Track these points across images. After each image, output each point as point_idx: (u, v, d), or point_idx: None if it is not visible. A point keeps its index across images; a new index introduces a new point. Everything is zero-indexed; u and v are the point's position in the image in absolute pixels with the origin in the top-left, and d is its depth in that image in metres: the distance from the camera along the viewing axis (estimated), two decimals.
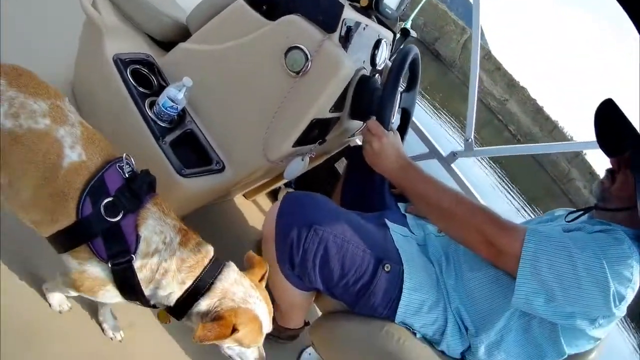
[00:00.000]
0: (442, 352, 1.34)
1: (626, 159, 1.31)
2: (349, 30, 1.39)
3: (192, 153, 1.47)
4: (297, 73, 1.33)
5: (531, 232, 1.20)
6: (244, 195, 2.24)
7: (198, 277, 1.06)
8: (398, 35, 1.82)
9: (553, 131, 45.88)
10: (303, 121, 1.37)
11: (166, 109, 1.39)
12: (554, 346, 1.28)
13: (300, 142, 1.44)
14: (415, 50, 1.47)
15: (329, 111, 1.43)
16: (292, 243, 1.22)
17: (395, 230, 1.42)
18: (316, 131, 1.46)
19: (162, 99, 1.39)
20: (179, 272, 1.05)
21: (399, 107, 1.62)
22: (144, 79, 1.52)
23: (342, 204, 1.59)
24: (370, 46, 1.59)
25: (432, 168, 2.00)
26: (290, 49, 1.33)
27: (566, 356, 1.31)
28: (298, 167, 1.50)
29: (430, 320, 1.31)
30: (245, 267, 1.19)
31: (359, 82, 1.48)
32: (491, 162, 15.59)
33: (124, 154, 1.07)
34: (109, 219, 0.99)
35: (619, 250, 1.18)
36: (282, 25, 1.36)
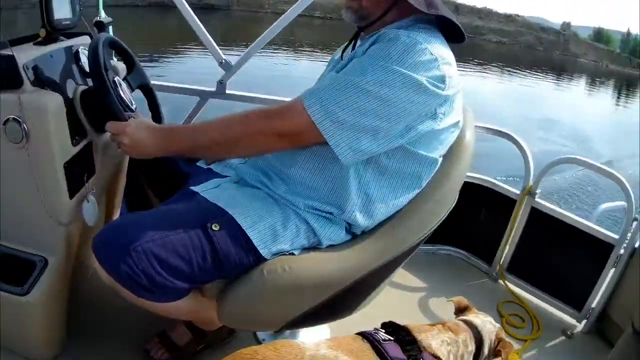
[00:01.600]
0: (332, 245, 1.34)
1: None
2: (37, 69, 1.34)
3: (14, 269, 1.43)
4: (21, 140, 1.29)
5: (307, 97, 1.17)
6: None
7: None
8: (96, 31, 1.78)
9: None
10: (57, 174, 1.34)
11: None
12: (419, 162, 1.29)
13: (73, 190, 1.41)
14: (101, 37, 1.44)
15: (74, 145, 1.40)
16: (130, 275, 1.16)
17: (204, 189, 1.38)
18: (77, 170, 1.43)
19: None
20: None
21: (133, 89, 1.61)
22: None
23: (162, 201, 1.56)
24: (71, 64, 1.56)
25: None
26: (4, 125, 1.29)
27: (440, 159, 1.34)
28: (89, 209, 1.46)
29: (293, 233, 1.28)
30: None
31: (82, 99, 1.46)
32: None
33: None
34: None
35: (399, 45, 1.16)
36: None
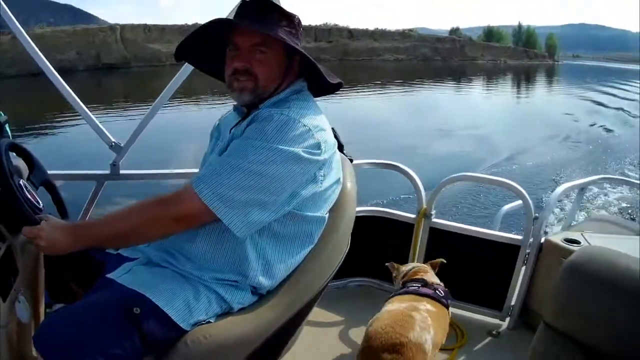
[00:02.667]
0: (243, 308, 1.43)
1: (256, 41, 1.39)
2: None
3: None
4: None
5: (195, 182, 1.28)
6: None
7: None
8: None
9: None
10: None
11: None
12: (308, 222, 1.43)
13: (4, 293, 1.46)
14: (2, 145, 1.49)
15: None
16: None
17: (116, 275, 1.43)
18: (3, 274, 1.48)
19: None
20: None
21: (37, 188, 1.67)
22: None
23: (81, 287, 1.64)
24: None
25: None
26: None
27: (327, 217, 1.48)
28: (22, 309, 1.51)
29: (205, 304, 1.36)
30: None
31: None
32: None
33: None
34: None
35: (273, 124, 1.29)
36: None
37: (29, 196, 1.50)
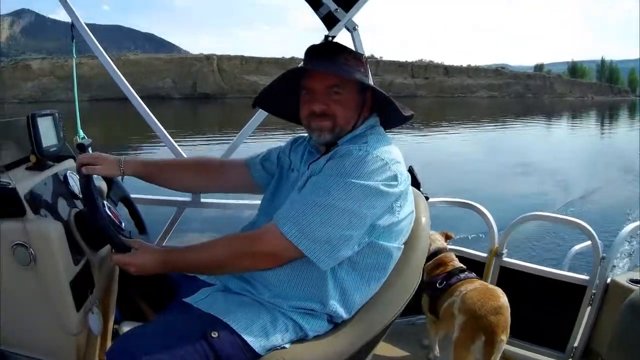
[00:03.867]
0: (317, 335, 1.42)
1: (331, 83, 1.41)
2: (35, 198, 1.51)
3: None
4: (29, 263, 1.45)
5: (281, 221, 1.29)
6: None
7: None
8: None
9: None
10: (64, 292, 1.48)
11: None
12: (384, 252, 1.41)
13: (79, 304, 1.53)
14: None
15: (75, 265, 1.53)
16: None
17: (194, 301, 1.45)
18: (81, 286, 1.56)
19: None
20: None
21: (117, 204, 1.75)
22: None
23: (152, 308, 1.72)
24: (62, 188, 1.70)
25: None
26: (13, 250, 1.44)
27: (402, 245, 1.46)
28: (95, 320, 1.59)
29: (282, 330, 1.35)
30: None
31: (76, 222, 1.60)
32: None
33: None
34: None
35: (352, 159, 1.30)
36: None
37: (111, 216, 1.57)
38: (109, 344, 2.17)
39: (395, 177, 1.33)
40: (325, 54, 1.46)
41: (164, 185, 1.75)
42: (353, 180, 1.28)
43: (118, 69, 2.46)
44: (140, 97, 2.50)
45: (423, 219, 1.60)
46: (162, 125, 2.50)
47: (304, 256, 1.28)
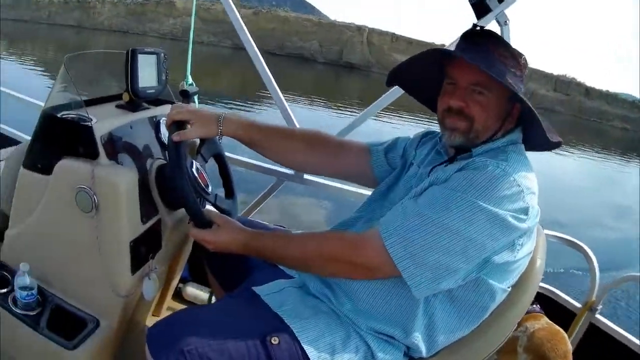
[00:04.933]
0: None
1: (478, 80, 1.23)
2: (114, 142, 1.40)
3: (67, 323, 1.46)
4: (91, 210, 1.34)
5: (387, 233, 1.15)
6: (153, 314, 2.19)
7: None
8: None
9: None
10: (122, 250, 1.38)
11: (25, 299, 1.43)
12: (489, 291, 1.23)
13: (136, 266, 1.43)
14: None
15: (143, 223, 1.43)
16: None
17: (266, 293, 1.35)
18: (143, 248, 1.45)
19: (17, 293, 1.43)
20: None
21: (207, 160, 1.59)
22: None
23: (221, 284, 1.65)
24: (150, 135, 1.60)
25: None
26: (76, 193, 1.34)
27: (509, 288, 1.27)
28: (150, 287, 1.48)
29: (351, 353, 1.22)
30: None
31: (157, 175, 1.49)
32: None
33: None
34: None
35: (486, 176, 1.13)
36: (57, 175, 1.38)
37: (198, 178, 1.43)
38: (166, 303, 2.18)
39: (526, 210, 1.15)
40: (480, 43, 1.25)
41: (267, 154, 1.57)
42: (480, 203, 1.09)
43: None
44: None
45: (538, 262, 1.40)
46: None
47: (400, 276, 1.14)
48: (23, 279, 1.42)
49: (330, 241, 1.25)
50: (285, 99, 2.29)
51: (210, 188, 1.48)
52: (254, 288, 1.38)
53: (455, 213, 1.10)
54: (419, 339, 1.24)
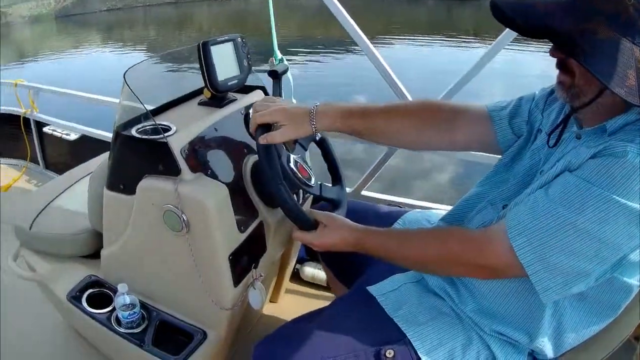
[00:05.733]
0: None
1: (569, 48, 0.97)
2: (195, 151, 1.27)
3: (173, 337, 1.45)
4: (181, 229, 1.24)
5: (515, 233, 1.01)
6: (271, 301, 2.17)
7: None
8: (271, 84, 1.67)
9: None
10: (220, 266, 1.27)
11: (127, 318, 1.42)
12: (621, 289, 1.08)
13: (238, 278, 1.33)
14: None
15: (241, 232, 1.31)
16: None
17: (381, 293, 1.26)
18: (244, 258, 1.34)
19: (119, 313, 1.42)
20: None
21: (306, 149, 1.44)
22: (101, 296, 1.56)
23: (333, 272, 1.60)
24: (240, 130, 1.46)
25: None
26: (163, 213, 1.25)
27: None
28: (256, 296, 1.38)
29: (472, 359, 1.14)
30: None
31: (252, 173, 1.37)
32: None
33: None
34: None
35: (625, 166, 0.94)
36: (140, 196, 1.30)
37: (298, 173, 1.30)
38: (284, 286, 2.13)
39: None
40: None
41: (373, 140, 1.42)
42: (617, 199, 0.93)
43: None
44: None
45: None
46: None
47: (527, 277, 1.02)
48: (123, 299, 1.41)
49: (453, 243, 1.11)
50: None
51: (313, 180, 1.34)
52: (368, 288, 1.29)
53: (590, 212, 0.95)
54: (545, 342, 1.14)
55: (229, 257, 1.27)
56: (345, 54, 14.59)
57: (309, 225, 1.23)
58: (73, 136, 3.43)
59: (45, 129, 3.60)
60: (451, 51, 15.70)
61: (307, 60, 14.16)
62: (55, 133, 3.51)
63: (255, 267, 1.39)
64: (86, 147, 3.33)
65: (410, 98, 1.98)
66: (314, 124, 1.23)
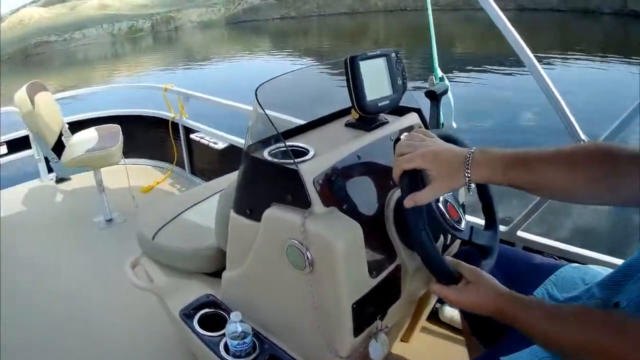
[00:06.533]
0: None
1: None
2: (331, 182, 1.15)
3: None
4: (304, 268, 1.12)
5: None
6: (402, 340, 2.01)
7: None
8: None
9: None
10: (342, 314, 1.14)
11: (236, 347, 1.35)
12: None
13: (360, 328, 1.18)
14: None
15: (373, 277, 1.17)
16: None
17: None
18: (370, 308, 1.20)
19: (229, 340, 1.35)
20: None
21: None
22: (215, 318, 1.50)
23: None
24: (387, 157, 1.26)
25: None
26: (287, 247, 1.15)
27: None
28: (377, 349, 1.21)
29: None
30: None
31: (396, 210, 1.22)
32: None
33: None
34: None
35: None
36: (266, 225, 1.21)
37: (446, 215, 1.17)
38: (419, 326, 1.97)
39: None
40: None
41: (537, 195, 1.37)
42: None
43: None
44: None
45: None
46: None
47: None
48: (234, 327, 1.34)
49: (604, 334, 0.90)
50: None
51: (463, 223, 1.19)
52: (502, 359, 1.15)
53: None
54: None
55: (352, 305, 1.13)
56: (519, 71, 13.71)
57: (451, 279, 1.08)
58: (221, 145, 3.50)
59: (192, 136, 3.70)
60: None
61: (472, 78, 13.62)
62: (202, 140, 3.60)
63: (382, 318, 1.23)
64: (233, 157, 3.36)
65: (578, 128, 1.70)
66: (468, 175, 1.01)
